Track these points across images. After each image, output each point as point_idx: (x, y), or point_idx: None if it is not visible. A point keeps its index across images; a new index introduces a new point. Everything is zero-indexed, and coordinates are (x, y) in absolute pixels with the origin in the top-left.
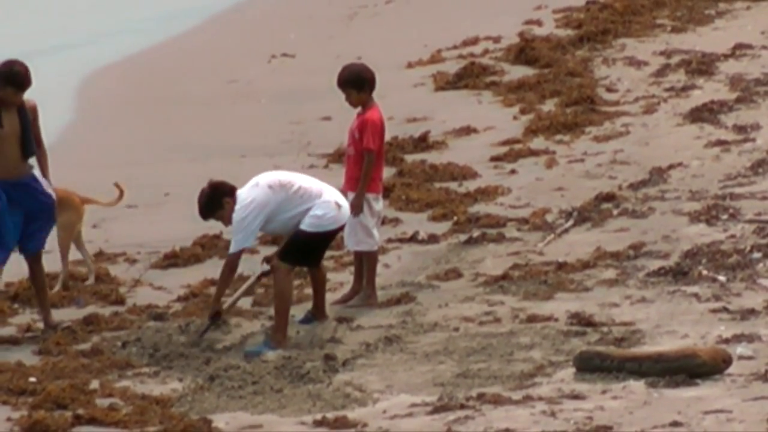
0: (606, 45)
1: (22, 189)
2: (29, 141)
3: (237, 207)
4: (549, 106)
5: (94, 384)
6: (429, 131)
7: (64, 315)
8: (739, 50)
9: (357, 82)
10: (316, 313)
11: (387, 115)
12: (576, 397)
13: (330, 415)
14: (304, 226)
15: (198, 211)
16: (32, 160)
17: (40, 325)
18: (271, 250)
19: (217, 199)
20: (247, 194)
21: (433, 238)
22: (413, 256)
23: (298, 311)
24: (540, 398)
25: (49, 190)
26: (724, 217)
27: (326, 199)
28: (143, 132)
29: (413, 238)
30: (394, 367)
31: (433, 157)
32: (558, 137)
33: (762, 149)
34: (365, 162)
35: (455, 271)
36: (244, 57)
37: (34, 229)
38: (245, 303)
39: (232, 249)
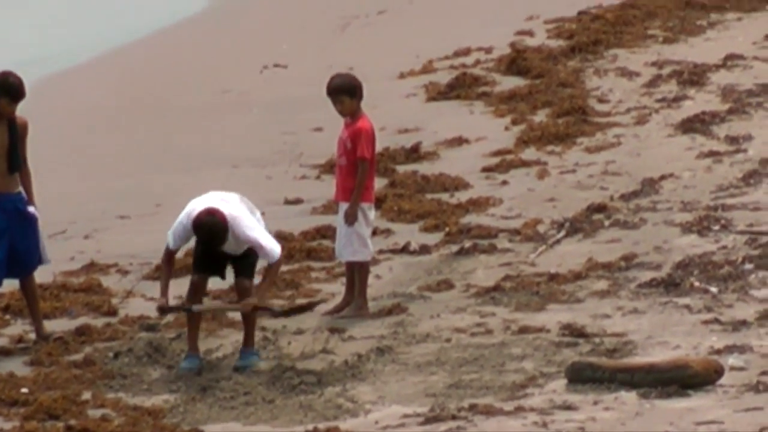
0: (598, 56)
1: (7, 205)
2: (16, 155)
3: (246, 221)
4: (540, 116)
5: (86, 395)
6: (421, 142)
7: (56, 326)
8: (730, 61)
9: (349, 90)
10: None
11: (379, 126)
12: (568, 407)
13: (322, 426)
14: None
15: (218, 242)
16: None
17: (32, 335)
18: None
19: (225, 223)
20: (242, 206)
21: (424, 249)
22: (405, 266)
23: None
24: (532, 409)
25: (33, 210)
26: (716, 228)
27: None
28: (136, 142)
29: (405, 249)
30: (386, 378)
31: (424, 168)
32: (550, 148)
33: (754, 160)
34: (359, 171)
35: (447, 282)
36: (236, 67)
37: (23, 252)
38: (236, 315)
39: (276, 252)
